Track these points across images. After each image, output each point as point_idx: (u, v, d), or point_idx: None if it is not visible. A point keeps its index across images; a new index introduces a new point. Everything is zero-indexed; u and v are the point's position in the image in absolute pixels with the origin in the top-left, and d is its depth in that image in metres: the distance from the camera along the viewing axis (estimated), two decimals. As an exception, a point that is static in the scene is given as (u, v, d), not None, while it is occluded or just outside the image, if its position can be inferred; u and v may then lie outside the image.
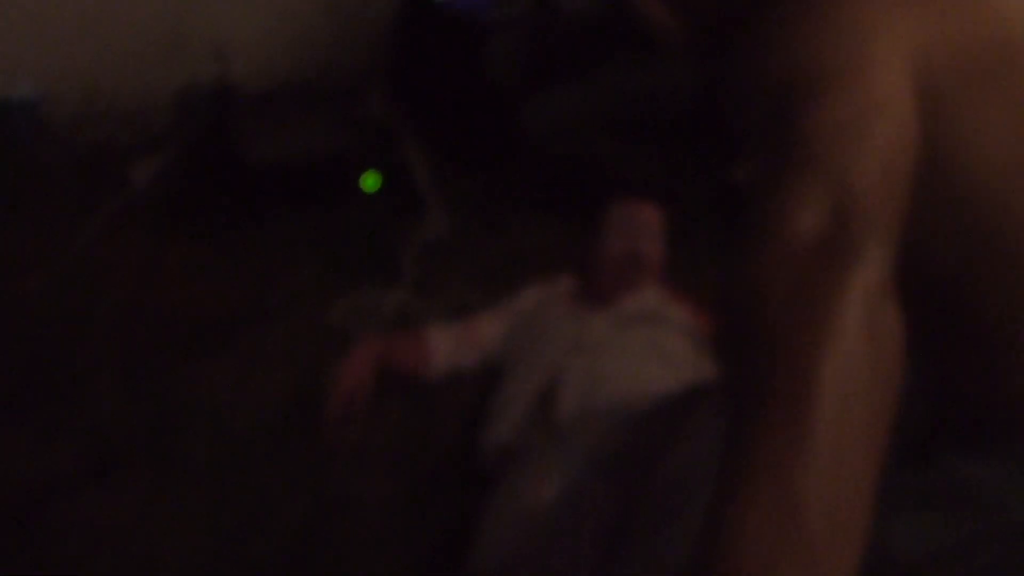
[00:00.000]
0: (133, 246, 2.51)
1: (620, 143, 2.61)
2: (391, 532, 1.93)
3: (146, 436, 2.02)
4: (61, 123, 2.67)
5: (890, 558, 0.93)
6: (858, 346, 0.64)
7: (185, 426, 2.06)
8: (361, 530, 1.93)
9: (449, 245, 2.71)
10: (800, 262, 0.67)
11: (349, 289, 2.51)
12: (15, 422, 2.01)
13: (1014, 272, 0.85)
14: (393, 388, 2.09)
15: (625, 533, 1.66)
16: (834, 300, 0.65)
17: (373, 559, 1.89)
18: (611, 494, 1.72)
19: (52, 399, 2.05)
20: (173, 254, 2.53)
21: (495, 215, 2.81)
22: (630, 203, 2.26)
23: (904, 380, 0.83)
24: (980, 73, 0.85)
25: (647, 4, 1.01)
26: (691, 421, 1.68)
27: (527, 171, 2.82)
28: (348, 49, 3.15)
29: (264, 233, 2.64)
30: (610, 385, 1.90)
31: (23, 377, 2.11)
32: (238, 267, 2.55)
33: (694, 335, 2.09)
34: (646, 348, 1.99)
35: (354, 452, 2.05)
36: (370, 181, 2.77)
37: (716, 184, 2.64)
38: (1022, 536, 0.90)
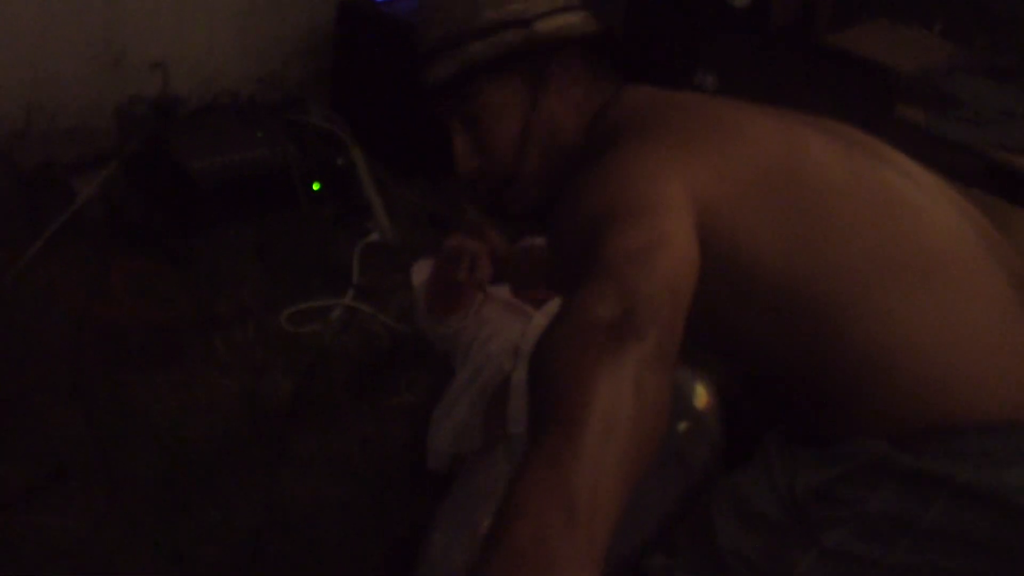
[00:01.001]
0: (80, 260, 2.51)
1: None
2: (346, 537, 1.95)
3: (97, 448, 2.02)
4: (3, 141, 2.66)
5: (792, 497, 1.10)
6: (624, 393, 0.83)
7: (136, 436, 2.07)
8: (315, 535, 1.94)
9: (396, 250, 2.74)
10: (590, 334, 0.87)
11: (296, 296, 2.53)
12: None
13: (805, 325, 1.10)
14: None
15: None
16: (610, 361, 0.85)
17: (328, 564, 1.90)
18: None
19: (2, 413, 2.05)
20: (120, 267, 2.53)
21: (442, 219, 2.84)
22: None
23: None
24: (752, 193, 1.11)
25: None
26: None
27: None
28: (288, 58, 3.17)
29: (210, 243, 2.65)
30: None
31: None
32: (185, 278, 2.55)
33: None
34: None
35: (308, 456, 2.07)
36: (315, 188, 2.79)
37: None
38: (909, 480, 1.03)
